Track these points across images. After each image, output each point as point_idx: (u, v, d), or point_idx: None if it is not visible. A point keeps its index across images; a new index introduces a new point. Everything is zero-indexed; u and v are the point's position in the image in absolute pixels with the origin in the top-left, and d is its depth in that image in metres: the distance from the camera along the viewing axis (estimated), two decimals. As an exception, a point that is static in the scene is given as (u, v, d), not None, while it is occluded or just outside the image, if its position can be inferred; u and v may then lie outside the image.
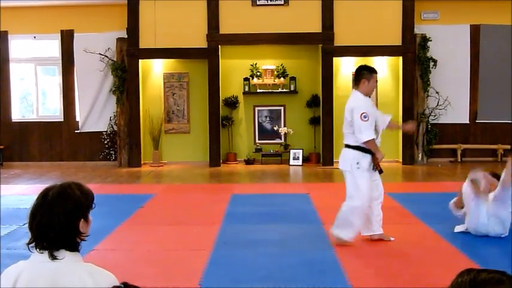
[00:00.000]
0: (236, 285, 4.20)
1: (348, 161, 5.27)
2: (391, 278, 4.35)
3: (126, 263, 4.85)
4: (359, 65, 5.61)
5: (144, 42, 11.65)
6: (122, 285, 1.66)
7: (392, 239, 5.42)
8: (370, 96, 5.44)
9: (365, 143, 5.18)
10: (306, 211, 6.95)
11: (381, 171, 5.34)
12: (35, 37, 12.38)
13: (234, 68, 12.23)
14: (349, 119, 5.28)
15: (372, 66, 5.71)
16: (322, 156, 11.75)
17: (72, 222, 1.97)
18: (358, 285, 4.16)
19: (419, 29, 11.74)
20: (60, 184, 2.02)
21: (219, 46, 11.68)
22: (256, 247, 5.27)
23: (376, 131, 5.31)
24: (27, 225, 2.00)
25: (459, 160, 11.99)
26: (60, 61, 12.36)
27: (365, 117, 5.15)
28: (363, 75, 5.35)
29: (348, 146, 5.33)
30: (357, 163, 5.20)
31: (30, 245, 1.98)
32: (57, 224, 1.94)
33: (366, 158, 5.21)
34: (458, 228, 5.56)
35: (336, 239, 5.26)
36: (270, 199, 7.86)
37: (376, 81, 5.46)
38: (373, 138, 5.20)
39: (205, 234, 5.74)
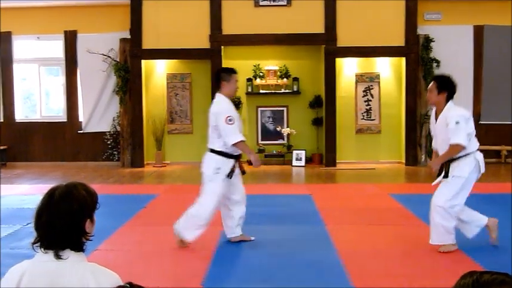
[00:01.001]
0: (238, 285, 4.21)
1: (210, 166, 5.24)
2: (394, 278, 4.35)
3: (129, 263, 4.86)
4: (218, 68, 5.61)
5: (147, 43, 11.67)
6: (128, 285, 1.67)
7: (252, 238, 5.48)
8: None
9: (235, 145, 5.17)
10: (309, 212, 6.95)
11: (243, 173, 5.39)
12: (38, 38, 12.41)
13: (237, 68, 11.83)
14: (213, 124, 5.25)
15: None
16: (325, 157, 11.76)
17: (78, 222, 1.98)
18: (360, 285, 4.16)
19: (422, 29, 11.73)
20: (65, 184, 2.03)
21: (222, 47, 11.70)
22: (259, 247, 5.28)
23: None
24: (32, 225, 2.00)
25: (462, 161, 11.96)
26: (64, 61, 12.40)
27: (230, 120, 5.14)
28: (223, 78, 5.37)
29: (212, 150, 5.28)
30: (218, 168, 5.18)
31: (34, 245, 1.99)
32: (64, 224, 1.95)
33: (229, 163, 5.22)
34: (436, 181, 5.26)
35: (179, 238, 5.28)
36: (272, 200, 7.86)
37: (237, 81, 5.46)
38: (243, 140, 5.19)
39: (207, 235, 5.74)
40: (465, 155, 4.94)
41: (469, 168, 4.93)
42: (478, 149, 5.04)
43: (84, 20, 12.15)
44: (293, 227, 6.11)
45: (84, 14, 12.15)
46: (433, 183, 5.16)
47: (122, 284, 1.78)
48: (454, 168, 4.96)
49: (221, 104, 5.29)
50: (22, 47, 12.61)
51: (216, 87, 5.48)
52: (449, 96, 5.01)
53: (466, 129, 4.88)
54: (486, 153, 11.68)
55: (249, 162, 5.67)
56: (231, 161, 5.25)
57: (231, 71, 5.50)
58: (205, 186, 5.29)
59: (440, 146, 5.14)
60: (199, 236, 5.63)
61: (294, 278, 4.40)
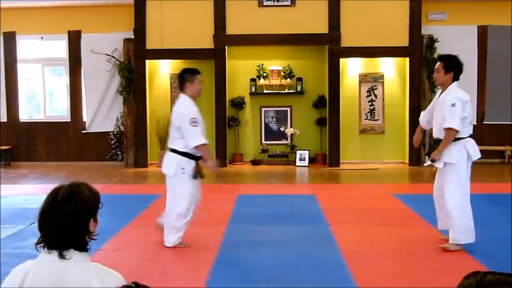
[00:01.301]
0: (242, 285, 4.21)
1: (172, 166, 5.20)
2: (397, 278, 4.35)
3: (132, 262, 4.87)
4: (182, 69, 5.57)
5: (151, 43, 11.68)
6: (133, 285, 1.67)
7: (187, 245, 5.38)
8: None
9: (197, 148, 5.16)
10: (312, 212, 6.95)
11: (202, 177, 5.37)
12: (42, 38, 12.44)
13: (241, 68, 12.24)
14: (177, 125, 5.22)
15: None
16: (329, 157, 11.75)
17: (82, 222, 1.99)
18: (364, 285, 4.16)
19: (426, 29, 11.71)
20: (68, 184, 2.03)
21: (226, 47, 11.70)
22: (262, 248, 5.28)
23: None
24: (36, 225, 2.00)
25: (466, 161, 11.94)
26: (68, 61, 12.42)
27: (194, 122, 5.13)
28: (186, 78, 5.33)
29: (173, 150, 5.26)
30: (182, 168, 5.16)
31: (38, 245, 1.99)
32: (68, 224, 1.95)
33: (191, 164, 5.20)
34: (427, 163, 5.35)
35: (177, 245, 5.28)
36: (276, 200, 7.87)
37: (201, 81, 5.41)
38: (205, 143, 5.19)
39: (211, 235, 5.76)
40: (454, 140, 4.94)
41: (460, 156, 4.95)
42: (470, 136, 5.05)
43: (88, 20, 12.17)
44: (296, 227, 6.11)
45: (88, 14, 12.18)
46: (425, 164, 5.29)
47: (125, 283, 1.78)
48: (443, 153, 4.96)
49: (185, 105, 5.26)
50: (26, 47, 12.64)
51: (180, 88, 5.43)
52: (456, 77, 5.04)
53: (461, 113, 4.88)
54: (490, 154, 11.84)
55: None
56: (193, 162, 5.24)
57: (195, 72, 5.44)
58: (175, 189, 5.22)
59: (437, 127, 5.14)
60: (201, 236, 5.65)
61: (297, 278, 4.40)
